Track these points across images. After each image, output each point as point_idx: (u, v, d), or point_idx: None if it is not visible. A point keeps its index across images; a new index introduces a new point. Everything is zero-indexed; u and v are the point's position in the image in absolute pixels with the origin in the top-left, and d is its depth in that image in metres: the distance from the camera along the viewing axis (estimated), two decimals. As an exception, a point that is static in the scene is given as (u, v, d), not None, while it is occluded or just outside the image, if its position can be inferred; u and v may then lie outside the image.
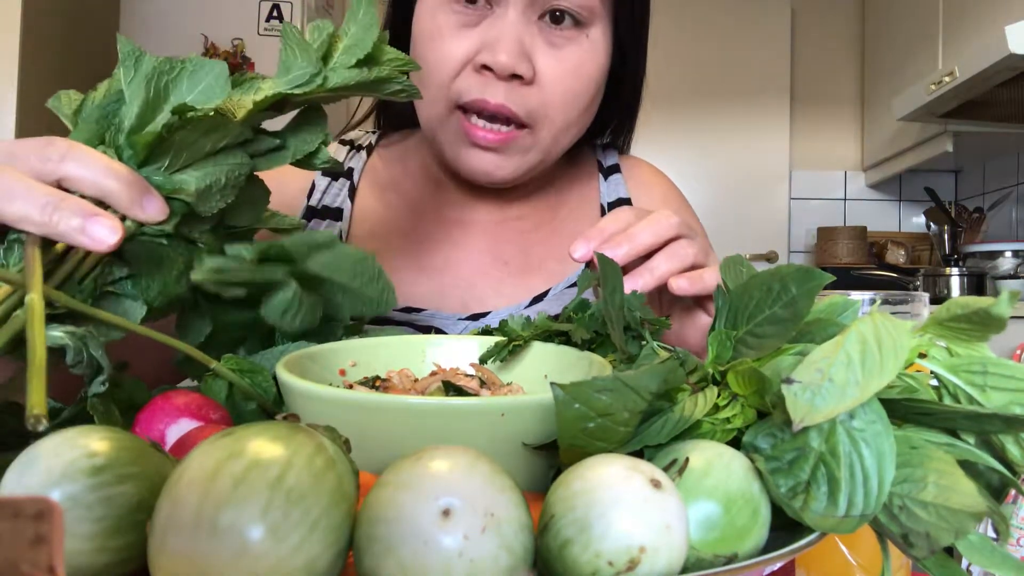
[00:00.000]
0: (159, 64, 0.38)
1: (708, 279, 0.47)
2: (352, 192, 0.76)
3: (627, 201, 0.79)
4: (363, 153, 0.80)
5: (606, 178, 0.81)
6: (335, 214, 0.74)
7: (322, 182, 0.76)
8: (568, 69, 0.64)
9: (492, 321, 0.69)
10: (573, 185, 0.81)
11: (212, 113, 0.36)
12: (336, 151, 0.80)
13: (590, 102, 0.68)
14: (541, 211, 0.78)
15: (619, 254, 0.46)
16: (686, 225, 0.50)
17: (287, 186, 0.75)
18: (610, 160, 0.83)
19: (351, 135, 0.83)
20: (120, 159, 0.36)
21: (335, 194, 0.76)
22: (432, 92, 0.64)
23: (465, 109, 0.63)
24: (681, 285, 0.47)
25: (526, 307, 0.70)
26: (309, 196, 0.76)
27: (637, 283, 0.47)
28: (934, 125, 2.42)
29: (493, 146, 0.64)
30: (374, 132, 0.83)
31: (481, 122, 0.63)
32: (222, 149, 0.39)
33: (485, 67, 0.61)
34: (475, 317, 0.69)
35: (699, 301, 0.53)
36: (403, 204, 0.77)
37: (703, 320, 0.53)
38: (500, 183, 0.68)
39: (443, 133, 0.66)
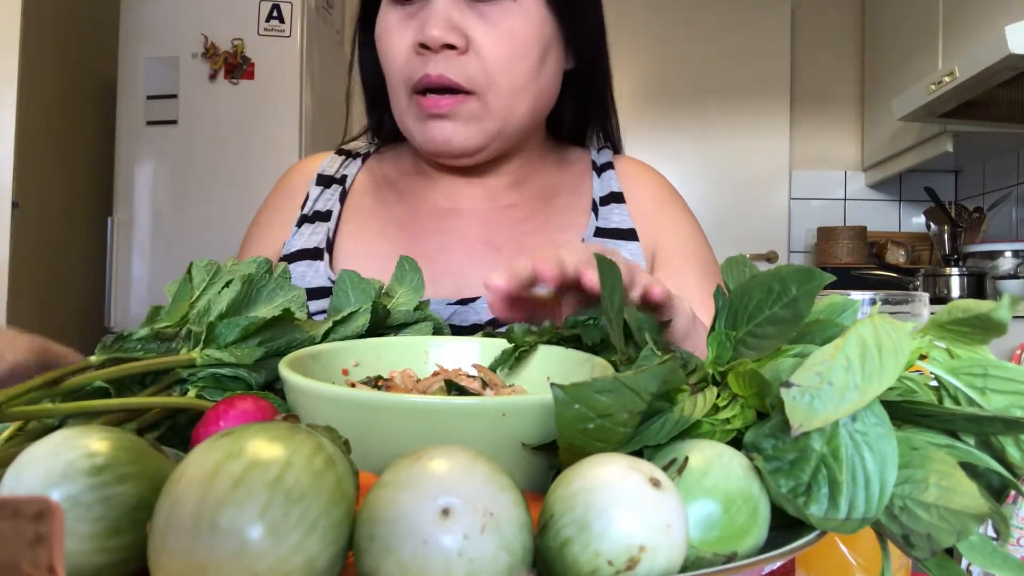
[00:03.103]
0: (258, 277, 0.48)
1: (564, 258, 0.46)
2: (343, 195, 0.80)
3: (619, 195, 0.81)
4: (359, 160, 0.85)
5: (599, 175, 0.83)
6: (324, 216, 0.79)
7: (315, 191, 0.81)
8: (500, 33, 0.68)
9: (480, 306, 0.70)
10: (565, 180, 0.83)
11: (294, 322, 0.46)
12: (332, 160, 0.85)
13: (533, 66, 0.70)
14: (532, 201, 0.80)
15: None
16: (572, 248, 0.49)
17: (283, 211, 0.81)
18: (604, 158, 0.85)
19: (349, 146, 0.88)
20: (212, 337, 0.43)
21: (327, 199, 0.80)
22: (393, 83, 0.71)
23: (418, 91, 0.69)
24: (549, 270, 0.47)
25: None
26: (303, 206, 0.80)
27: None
28: (934, 125, 2.42)
29: (444, 112, 0.68)
30: (371, 144, 0.88)
31: (432, 95, 0.68)
32: (291, 347, 0.46)
33: (422, 45, 0.67)
34: (464, 302, 0.71)
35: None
36: (397, 199, 0.80)
37: None
38: (462, 152, 0.71)
39: (408, 119, 0.72)
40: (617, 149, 0.87)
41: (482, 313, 0.70)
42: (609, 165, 0.84)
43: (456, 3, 0.67)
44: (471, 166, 0.77)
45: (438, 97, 0.68)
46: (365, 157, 0.85)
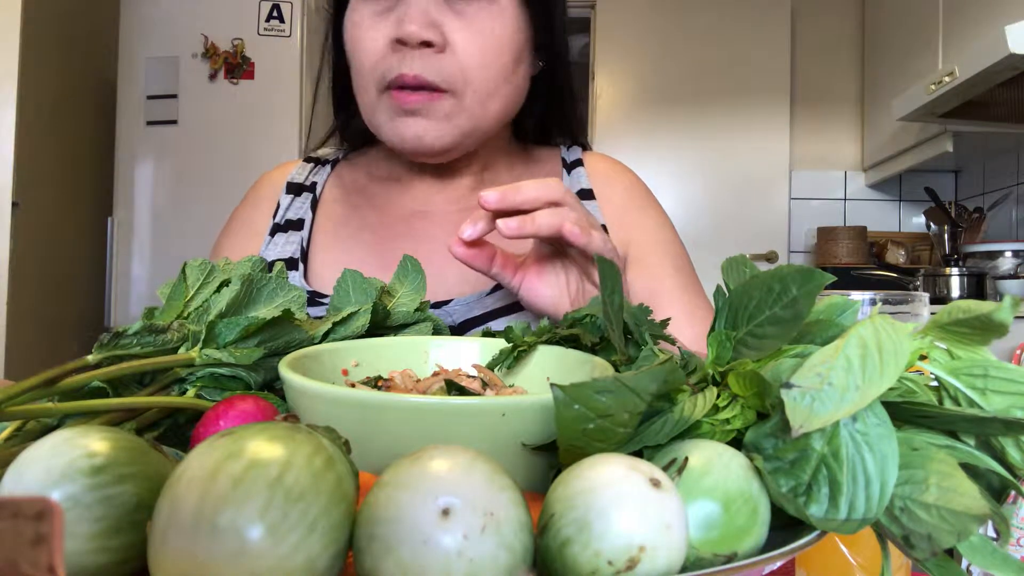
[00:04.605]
0: (258, 277, 0.47)
1: (539, 220, 0.51)
2: (315, 204, 0.80)
3: (588, 192, 0.81)
4: (328, 167, 0.84)
5: (569, 172, 0.83)
6: (296, 225, 0.78)
7: (286, 200, 0.80)
8: (478, 32, 0.67)
9: (453, 308, 0.71)
10: (535, 178, 0.82)
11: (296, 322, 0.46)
12: (301, 168, 0.84)
13: (508, 66, 0.70)
14: None
15: (515, 201, 0.52)
16: (573, 197, 0.54)
17: (253, 223, 0.80)
18: (573, 156, 0.85)
19: (317, 152, 0.87)
20: (211, 336, 0.43)
21: (298, 207, 0.80)
22: (363, 80, 0.70)
23: (391, 87, 0.68)
24: (511, 226, 0.51)
25: (488, 294, 0.72)
26: (275, 215, 0.80)
27: (511, 224, 0.50)
28: (934, 125, 2.42)
29: (416, 108, 0.67)
30: (340, 149, 0.87)
31: (406, 91, 0.67)
32: (290, 347, 0.46)
33: (399, 41, 0.66)
34: (437, 305, 0.71)
35: (564, 260, 0.57)
36: (367, 204, 0.80)
37: (559, 278, 0.57)
38: (432, 149, 0.70)
39: (378, 116, 0.70)
40: (585, 146, 0.87)
41: (455, 315, 0.70)
42: (579, 162, 0.84)
43: (436, 1, 0.67)
44: (438, 168, 0.77)
45: (409, 92, 0.67)
46: (334, 163, 0.85)
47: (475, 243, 0.54)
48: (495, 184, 0.80)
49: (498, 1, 0.68)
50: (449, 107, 0.68)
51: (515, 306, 0.70)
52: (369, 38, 0.68)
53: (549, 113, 0.84)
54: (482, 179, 0.81)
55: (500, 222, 0.51)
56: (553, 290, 0.57)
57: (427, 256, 0.74)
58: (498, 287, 0.72)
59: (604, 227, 0.78)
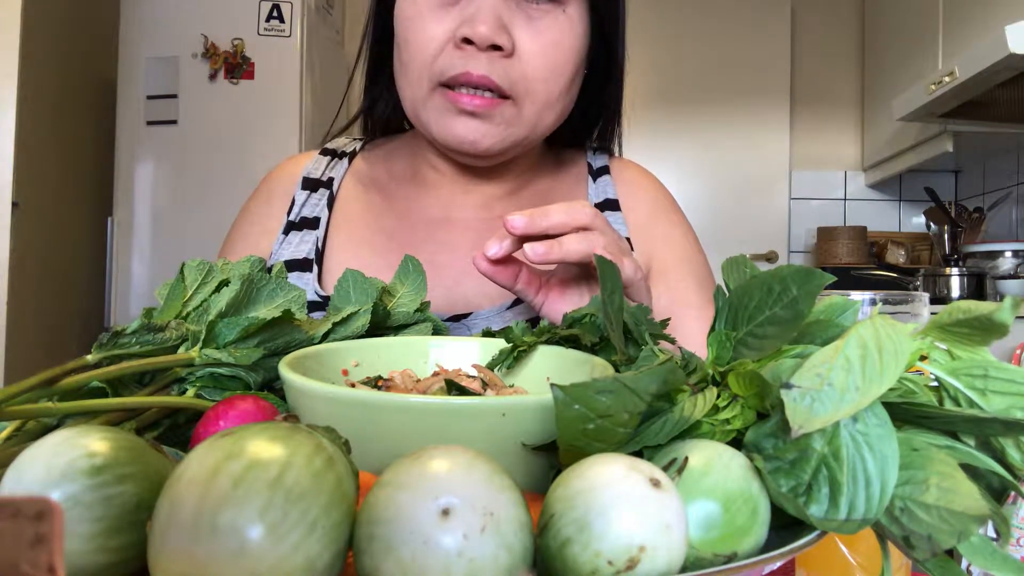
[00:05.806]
0: (258, 277, 0.47)
1: (567, 246, 0.50)
2: (331, 201, 0.77)
3: (615, 202, 0.79)
4: (344, 161, 0.81)
5: (595, 179, 0.81)
6: (312, 224, 0.75)
7: (301, 196, 0.77)
8: (547, 42, 0.65)
9: (474, 322, 0.69)
10: (561, 186, 0.81)
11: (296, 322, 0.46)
12: (317, 162, 0.80)
13: (570, 79, 0.69)
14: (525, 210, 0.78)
15: (542, 225, 0.51)
16: (603, 220, 0.53)
17: (266, 218, 0.77)
18: (600, 162, 0.83)
19: (333, 144, 0.84)
20: (211, 336, 0.43)
21: (314, 204, 0.77)
22: (415, 72, 0.66)
23: (449, 86, 0.65)
24: (538, 252, 0.50)
25: (508, 308, 0.70)
26: (289, 212, 0.76)
27: (538, 250, 0.50)
28: (934, 125, 2.42)
29: (479, 111, 0.65)
30: (358, 140, 0.84)
31: (466, 90, 0.65)
32: (290, 347, 0.46)
33: (466, 40, 0.63)
34: (457, 318, 0.69)
35: (589, 281, 0.56)
36: (386, 205, 0.77)
37: (582, 299, 0.56)
38: (485, 154, 0.68)
39: (427, 111, 0.67)
40: (616, 153, 0.85)
41: (474, 329, 0.68)
42: (605, 169, 0.81)
43: (507, 1, 0.64)
44: (467, 171, 0.75)
45: (474, 94, 0.64)
46: (351, 156, 0.81)
47: (500, 259, 0.53)
48: (522, 191, 0.78)
49: (568, 12, 0.66)
50: (510, 114, 0.66)
51: (536, 321, 0.69)
52: (429, 29, 0.64)
53: (592, 123, 0.81)
54: (509, 185, 0.78)
55: (527, 247, 0.50)
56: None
57: (448, 265, 0.72)
58: (518, 301, 0.71)
59: (628, 240, 0.76)
